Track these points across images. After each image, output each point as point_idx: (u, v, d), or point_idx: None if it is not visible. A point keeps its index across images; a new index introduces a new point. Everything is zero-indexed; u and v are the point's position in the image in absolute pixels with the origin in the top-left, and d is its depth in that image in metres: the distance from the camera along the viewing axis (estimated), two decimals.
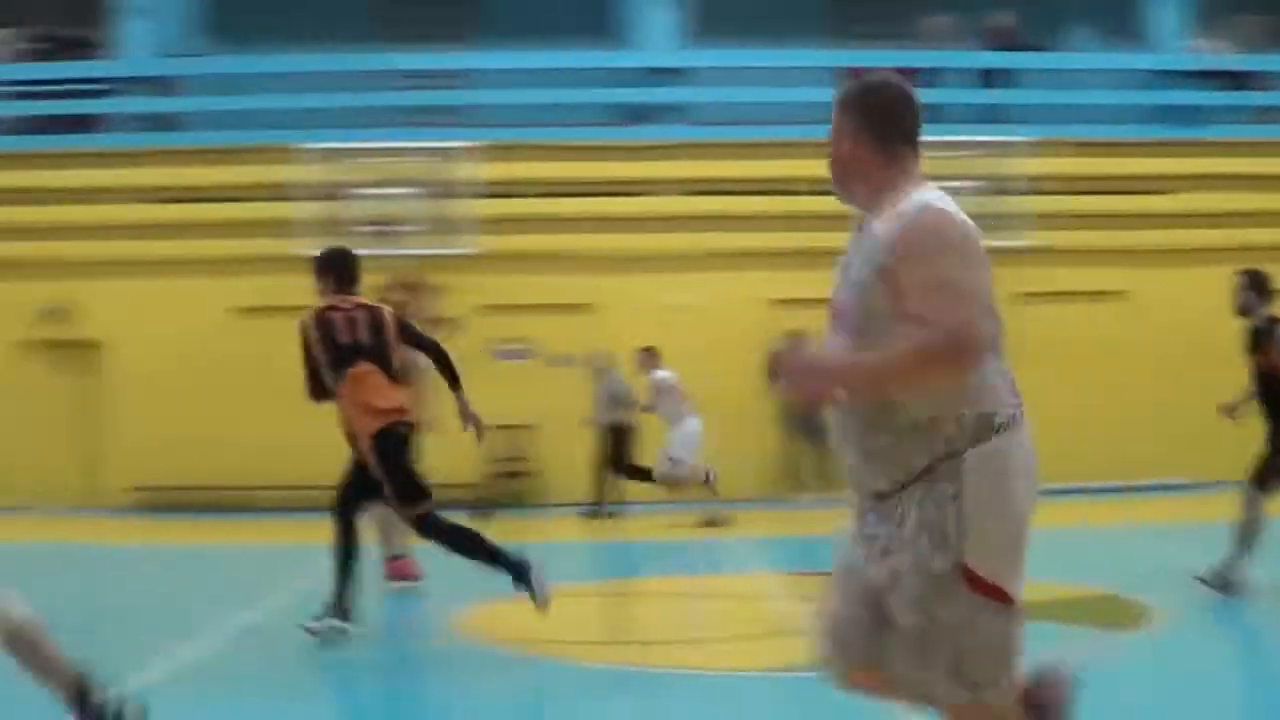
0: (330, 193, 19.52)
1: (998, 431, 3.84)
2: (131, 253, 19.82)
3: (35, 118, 21.16)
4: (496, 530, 16.90)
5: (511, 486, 19.54)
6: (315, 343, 9.17)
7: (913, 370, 3.77)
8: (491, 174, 19.71)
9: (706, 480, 16.53)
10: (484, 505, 17.93)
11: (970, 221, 3.89)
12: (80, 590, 11.46)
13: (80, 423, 19.79)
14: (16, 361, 19.85)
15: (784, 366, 3.95)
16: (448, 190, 19.68)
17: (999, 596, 3.84)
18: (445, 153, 19.81)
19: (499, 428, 19.43)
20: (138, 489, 19.26)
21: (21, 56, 21.42)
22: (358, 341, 9.21)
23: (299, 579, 12.23)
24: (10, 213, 20.09)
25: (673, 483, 16.81)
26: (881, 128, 4.00)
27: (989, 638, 3.86)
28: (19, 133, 21.01)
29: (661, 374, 16.99)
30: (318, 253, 9.67)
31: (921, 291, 3.76)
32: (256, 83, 20.79)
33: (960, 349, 3.73)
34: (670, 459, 16.64)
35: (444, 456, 18.38)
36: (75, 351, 19.75)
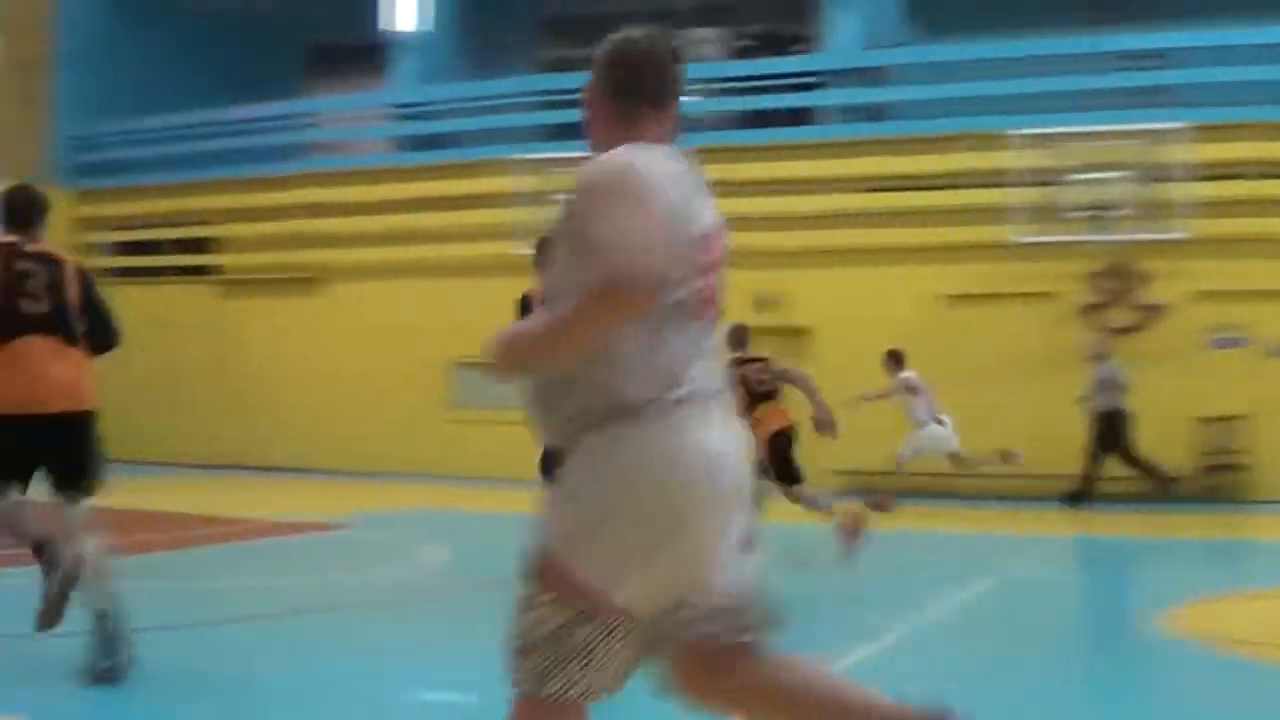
0: (1042, 178, 19.42)
1: (639, 414, 3.41)
2: (841, 241, 20.49)
3: (748, 113, 22.25)
4: (1196, 526, 16.48)
5: (1222, 481, 18.88)
6: None
7: (577, 323, 3.37)
8: (1204, 155, 19.02)
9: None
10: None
11: (662, 170, 3.50)
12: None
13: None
14: None
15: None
16: (1159, 173, 19.16)
17: (581, 595, 3.40)
18: (1156, 135, 19.24)
19: (1209, 420, 18.94)
20: (840, 472, 18.77)
21: (734, 54, 22.54)
22: None
23: (1006, 564, 12.96)
24: (726, 204, 20.98)
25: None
26: (616, 84, 3.75)
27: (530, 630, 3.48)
28: (733, 128, 22.13)
29: (906, 375, 16.85)
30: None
31: (591, 244, 3.37)
32: (964, 69, 20.88)
33: (620, 289, 3.28)
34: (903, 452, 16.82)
35: (1152, 448, 18.17)
36: (787, 337, 20.55)
